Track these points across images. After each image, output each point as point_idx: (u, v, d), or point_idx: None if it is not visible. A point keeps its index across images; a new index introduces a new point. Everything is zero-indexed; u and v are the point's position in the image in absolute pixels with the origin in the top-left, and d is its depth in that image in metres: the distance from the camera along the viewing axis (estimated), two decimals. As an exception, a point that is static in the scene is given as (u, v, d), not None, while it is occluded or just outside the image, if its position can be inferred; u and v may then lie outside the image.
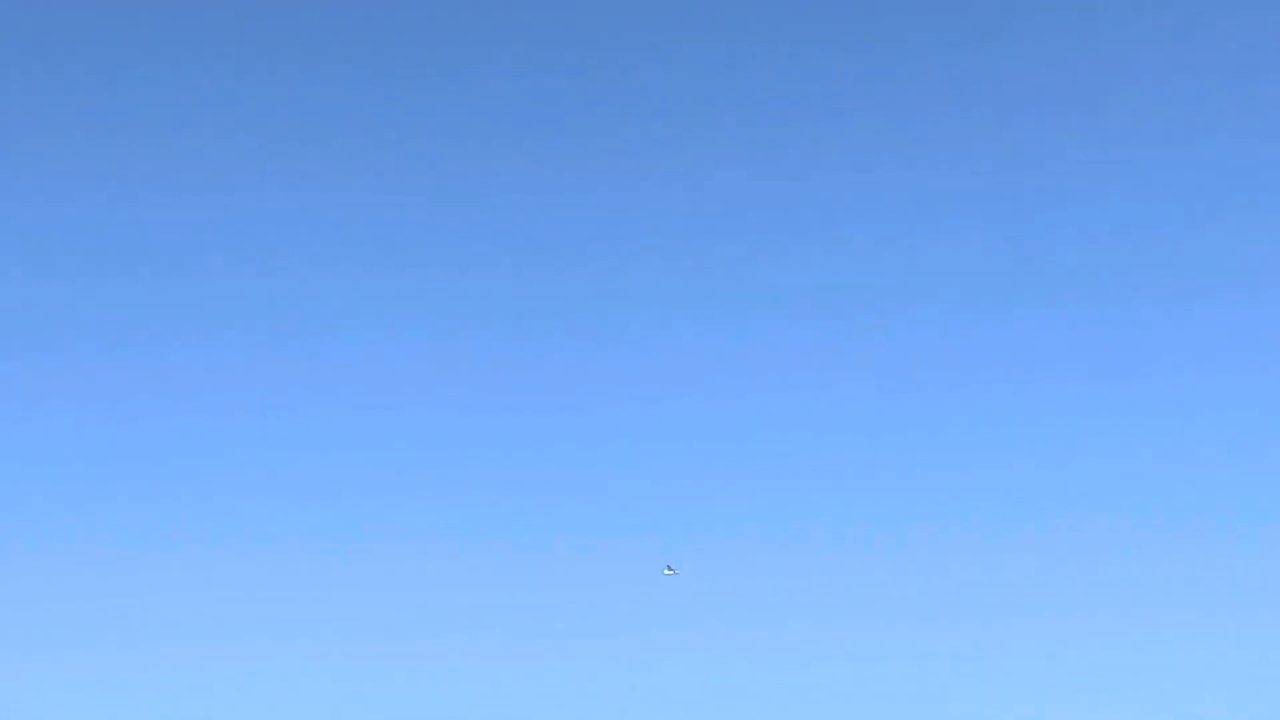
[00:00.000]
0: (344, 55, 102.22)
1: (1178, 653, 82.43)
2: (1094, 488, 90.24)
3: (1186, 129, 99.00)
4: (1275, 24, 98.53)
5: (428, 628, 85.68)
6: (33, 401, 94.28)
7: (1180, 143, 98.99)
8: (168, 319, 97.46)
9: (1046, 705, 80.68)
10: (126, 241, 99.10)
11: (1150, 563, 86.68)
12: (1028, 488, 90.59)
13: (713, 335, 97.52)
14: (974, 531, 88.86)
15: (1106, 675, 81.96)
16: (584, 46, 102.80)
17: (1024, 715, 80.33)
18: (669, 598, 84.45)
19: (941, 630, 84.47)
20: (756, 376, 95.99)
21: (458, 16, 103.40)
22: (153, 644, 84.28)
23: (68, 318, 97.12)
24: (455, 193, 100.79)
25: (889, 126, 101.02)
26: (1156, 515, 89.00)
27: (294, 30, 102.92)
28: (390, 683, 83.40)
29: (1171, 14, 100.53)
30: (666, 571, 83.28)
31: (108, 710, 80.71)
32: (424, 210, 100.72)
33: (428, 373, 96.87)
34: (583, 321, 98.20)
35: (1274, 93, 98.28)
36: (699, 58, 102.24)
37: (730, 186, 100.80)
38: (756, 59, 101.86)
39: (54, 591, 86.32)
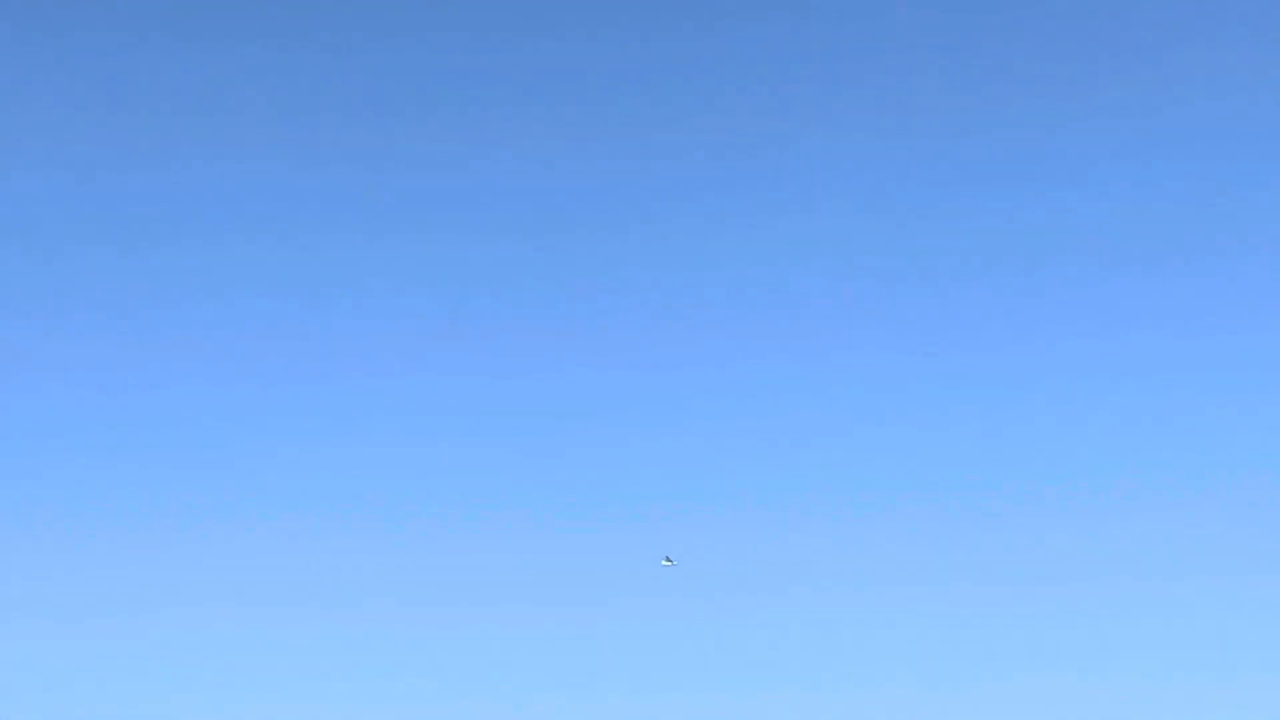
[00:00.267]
0: (346, 25, 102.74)
1: (1174, 618, 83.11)
2: (1098, 458, 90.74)
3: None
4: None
5: (430, 599, 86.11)
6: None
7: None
8: (172, 289, 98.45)
9: (1044, 672, 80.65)
10: (143, 215, 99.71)
11: (1154, 529, 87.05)
12: (1034, 457, 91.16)
13: (717, 302, 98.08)
14: (978, 501, 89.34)
15: (1109, 645, 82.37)
16: (585, 13, 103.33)
17: (1022, 682, 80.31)
18: (674, 567, 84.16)
19: (941, 601, 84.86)
20: (763, 341, 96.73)
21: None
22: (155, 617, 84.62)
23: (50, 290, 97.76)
24: (458, 161, 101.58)
25: (893, 91, 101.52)
26: (1163, 483, 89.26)
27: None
28: (392, 653, 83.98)
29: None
30: (665, 563, 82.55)
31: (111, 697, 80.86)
32: (426, 179, 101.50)
33: (431, 338, 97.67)
34: (588, 287, 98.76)
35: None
36: (700, 25, 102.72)
37: (733, 152, 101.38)
38: (755, 25, 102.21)
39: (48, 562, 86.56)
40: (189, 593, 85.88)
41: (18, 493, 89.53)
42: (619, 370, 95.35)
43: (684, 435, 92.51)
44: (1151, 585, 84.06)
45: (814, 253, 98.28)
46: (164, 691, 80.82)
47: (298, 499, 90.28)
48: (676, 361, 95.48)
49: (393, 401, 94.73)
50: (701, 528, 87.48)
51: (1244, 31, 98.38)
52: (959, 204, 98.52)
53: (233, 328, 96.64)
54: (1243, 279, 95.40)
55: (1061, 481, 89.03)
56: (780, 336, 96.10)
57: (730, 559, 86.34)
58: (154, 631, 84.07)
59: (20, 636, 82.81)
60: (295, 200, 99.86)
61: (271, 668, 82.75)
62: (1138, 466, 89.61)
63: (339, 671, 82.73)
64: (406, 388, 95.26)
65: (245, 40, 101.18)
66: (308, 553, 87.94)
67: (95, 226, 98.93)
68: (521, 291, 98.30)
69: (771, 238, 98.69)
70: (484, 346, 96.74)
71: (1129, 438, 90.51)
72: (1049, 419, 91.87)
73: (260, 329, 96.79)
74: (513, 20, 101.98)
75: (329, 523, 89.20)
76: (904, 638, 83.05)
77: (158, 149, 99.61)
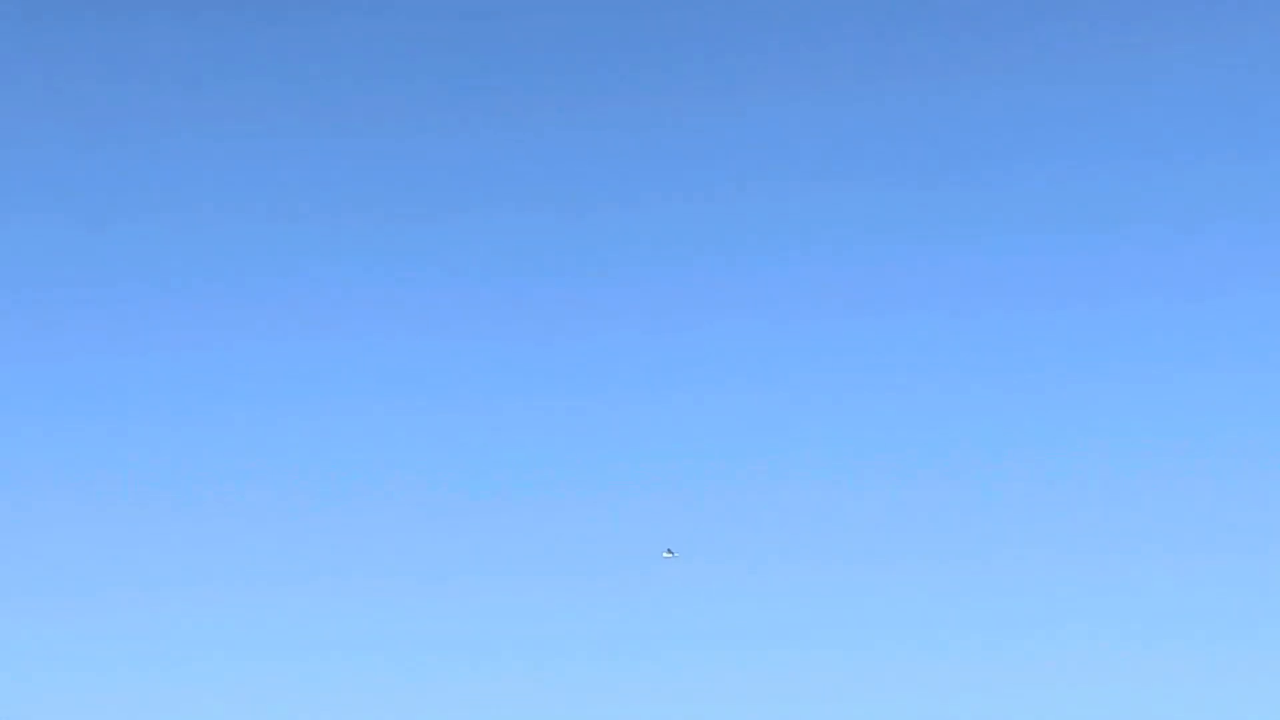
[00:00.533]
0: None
1: (1173, 590, 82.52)
2: (1093, 429, 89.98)
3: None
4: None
5: (430, 575, 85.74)
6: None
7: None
8: (160, 269, 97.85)
9: (1041, 645, 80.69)
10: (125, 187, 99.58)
11: (1153, 495, 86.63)
12: (1031, 428, 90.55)
13: (724, 275, 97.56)
14: (977, 472, 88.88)
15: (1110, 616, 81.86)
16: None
17: (1019, 653, 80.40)
18: (683, 533, 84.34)
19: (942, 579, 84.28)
20: (765, 314, 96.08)
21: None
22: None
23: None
24: (466, 135, 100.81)
25: (901, 60, 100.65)
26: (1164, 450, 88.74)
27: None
28: (389, 632, 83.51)
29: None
30: (666, 554, 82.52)
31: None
32: (433, 154, 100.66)
33: (440, 312, 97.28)
34: (596, 260, 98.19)
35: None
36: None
37: (741, 122, 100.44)
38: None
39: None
40: (182, 574, 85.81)
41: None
42: (619, 343, 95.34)
43: (683, 410, 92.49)
44: (1154, 558, 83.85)
45: (821, 225, 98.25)
46: (165, 685, 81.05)
47: (294, 475, 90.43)
48: (676, 334, 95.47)
49: (388, 375, 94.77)
50: (708, 500, 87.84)
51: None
52: (963, 171, 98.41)
53: (240, 300, 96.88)
54: (1240, 249, 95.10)
55: (1057, 452, 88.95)
56: (780, 310, 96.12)
57: (736, 531, 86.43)
58: (151, 615, 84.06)
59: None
60: (296, 175, 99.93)
61: (266, 649, 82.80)
62: (1143, 437, 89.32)
63: (339, 651, 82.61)
64: (401, 361, 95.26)
65: (247, 11, 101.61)
66: (300, 530, 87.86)
67: (92, 201, 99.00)
68: (520, 266, 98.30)
69: (775, 209, 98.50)
70: (478, 321, 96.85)
71: (1131, 409, 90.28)
72: (1046, 390, 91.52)
73: (258, 303, 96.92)
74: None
75: (327, 499, 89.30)
76: (909, 611, 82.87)
77: (160, 125, 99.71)
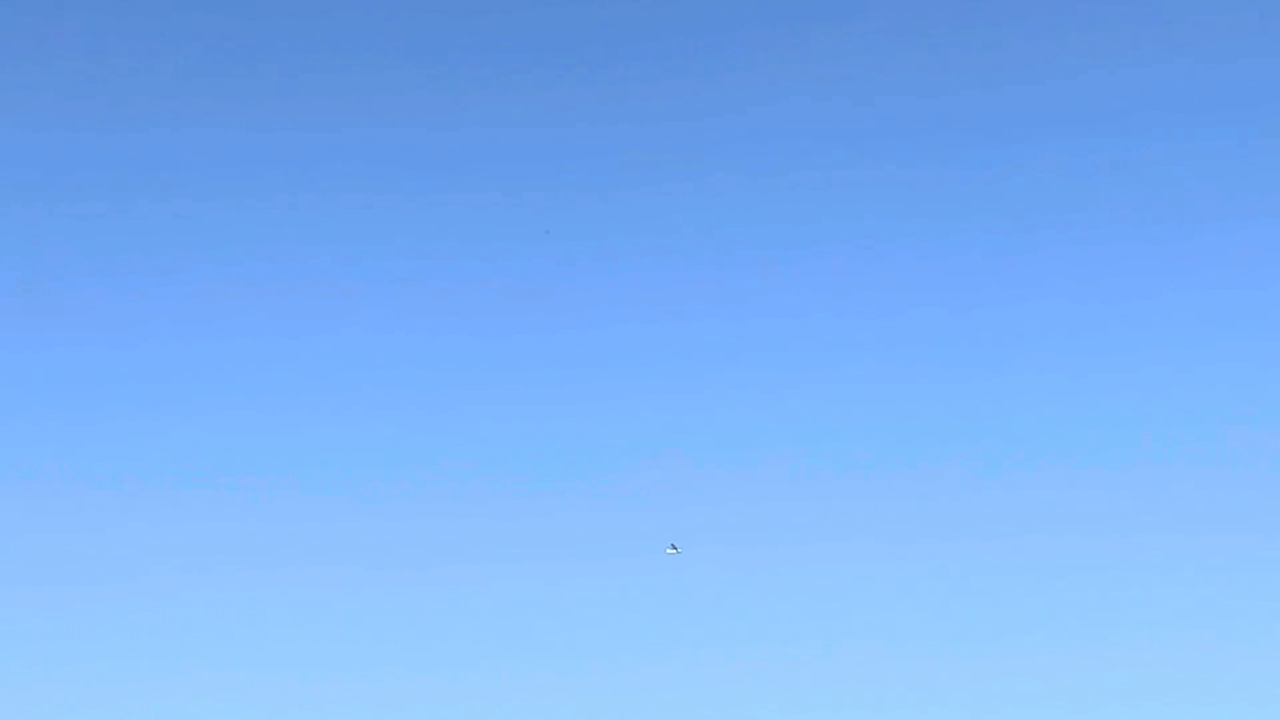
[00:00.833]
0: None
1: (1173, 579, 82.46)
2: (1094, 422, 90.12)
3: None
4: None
5: (432, 571, 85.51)
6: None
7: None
8: (155, 259, 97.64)
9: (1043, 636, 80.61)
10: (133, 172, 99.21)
11: (1155, 491, 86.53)
12: (1028, 420, 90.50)
13: (727, 268, 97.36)
14: (975, 463, 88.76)
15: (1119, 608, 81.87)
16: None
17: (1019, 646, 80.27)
18: (686, 529, 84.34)
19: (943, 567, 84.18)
20: (768, 309, 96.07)
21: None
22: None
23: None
24: (461, 125, 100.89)
25: (900, 50, 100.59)
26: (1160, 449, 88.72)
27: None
28: (386, 623, 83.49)
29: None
30: (669, 550, 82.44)
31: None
32: (430, 143, 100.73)
33: (440, 304, 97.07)
34: (599, 251, 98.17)
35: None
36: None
37: (742, 112, 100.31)
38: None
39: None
40: (180, 569, 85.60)
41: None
42: (621, 336, 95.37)
43: (684, 404, 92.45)
44: (1157, 555, 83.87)
45: (823, 218, 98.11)
46: (162, 683, 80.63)
47: (293, 468, 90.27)
48: (679, 327, 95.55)
49: (386, 366, 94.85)
50: (709, 496, 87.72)
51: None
52: (968, 165, 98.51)
53: (227, 290, 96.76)
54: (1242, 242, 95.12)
55: (1060, 448, 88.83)
56: (783, 304, 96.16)
57: (738, 527, 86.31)
58: (151, 613, 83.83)
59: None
60: (288, 164, 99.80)
61: (266, 646, 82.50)
62: (1147, 429, 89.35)
63: (340, 647, 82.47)
64: (400, 352, 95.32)
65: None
66: (300, 525, 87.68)
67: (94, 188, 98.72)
68: (515, 254, 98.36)
69: (777, 202, 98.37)
70: (479, 314, 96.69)
71: (1134, 405, 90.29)
72: (1050, 385, 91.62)
73: (247, 293, 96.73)
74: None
75: (328, 491, 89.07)
76: (913, 606, 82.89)
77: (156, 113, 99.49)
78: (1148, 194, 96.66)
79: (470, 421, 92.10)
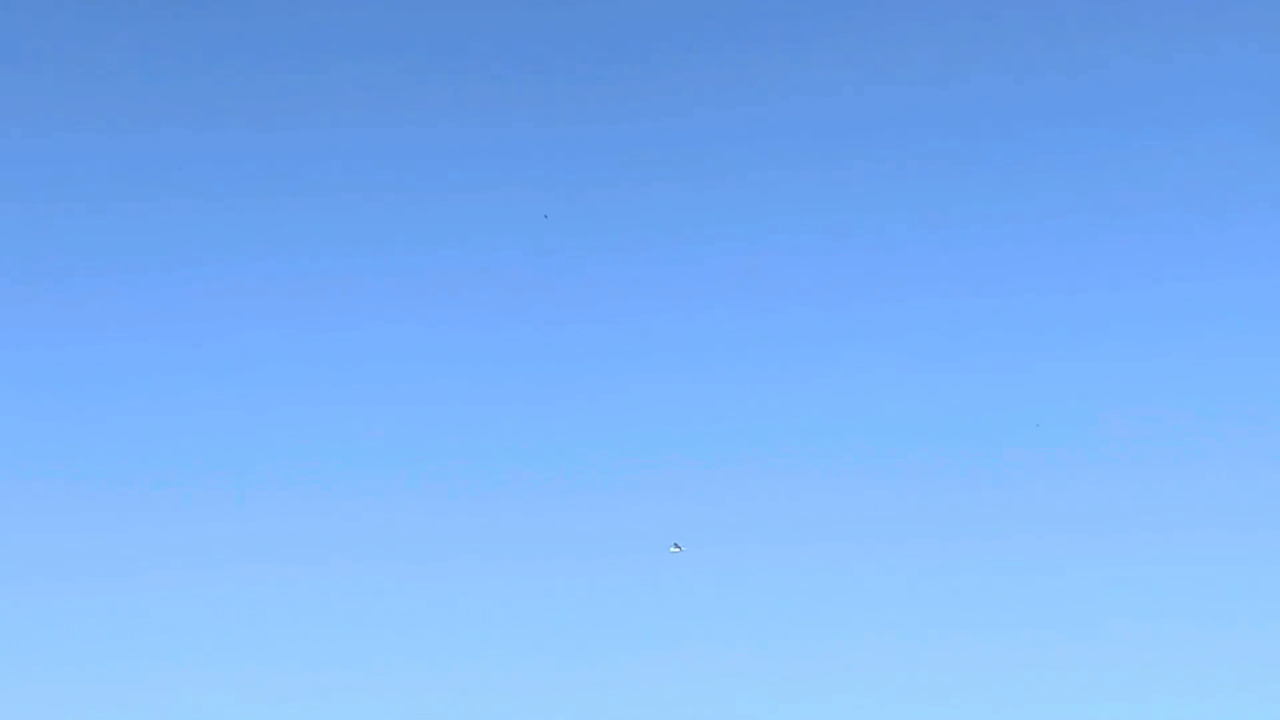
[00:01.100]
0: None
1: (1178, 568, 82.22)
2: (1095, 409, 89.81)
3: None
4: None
5: (433, 568, 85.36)
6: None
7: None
8: (155, 257, 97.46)
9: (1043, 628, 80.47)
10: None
11: (1156, 486, 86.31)
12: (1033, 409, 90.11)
13: (730, 264, 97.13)
14: (977, 453, 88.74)
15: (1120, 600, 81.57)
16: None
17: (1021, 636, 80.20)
18: (689, 526, 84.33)
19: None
20: (771, 304, 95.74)
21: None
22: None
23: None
24: (461, 122, 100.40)
25: (906, 44, 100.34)
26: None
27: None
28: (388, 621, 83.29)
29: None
30: (673, 549, 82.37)
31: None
32: (429, 140, 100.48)
33: (440, 299, 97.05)
34: (601, 246, 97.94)
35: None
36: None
37: (734, 107, 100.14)
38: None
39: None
40: (178, 566, 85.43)
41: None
42: (621, 333, 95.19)
43: (686, 400, 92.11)
44: (1159, 551, 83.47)
45: (825, 213, 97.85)
46: (159, 681, 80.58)
47: (294, 466, 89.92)
48: (680, 323, 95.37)
49: (387, 363, 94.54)
50: (711, 492, 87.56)
51: None
52: (964, 151, 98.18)
53: (226, 288, 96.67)
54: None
55: (1062, 444, 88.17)
56: (786, 300, 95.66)
57: (741, 524, 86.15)
58: (148, 610, 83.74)
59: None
60: (287, 162, 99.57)
61: (266, 643, 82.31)
62: (1149, 425, 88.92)
63: (342, 646, 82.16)
64: (400, 349, 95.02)
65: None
66: (302, 523, 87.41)
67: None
68: (515, 252, 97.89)
69: (778, 198, 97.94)
70: (480, 309, 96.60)
71: (1136, 400, 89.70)
72: (1051, 379, 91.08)
73: (246, 291, 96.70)
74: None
75: (329, 489, 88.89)
76: (916, 603, 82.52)
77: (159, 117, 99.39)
78: (1150, 189, 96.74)
79: (470, 419, 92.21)
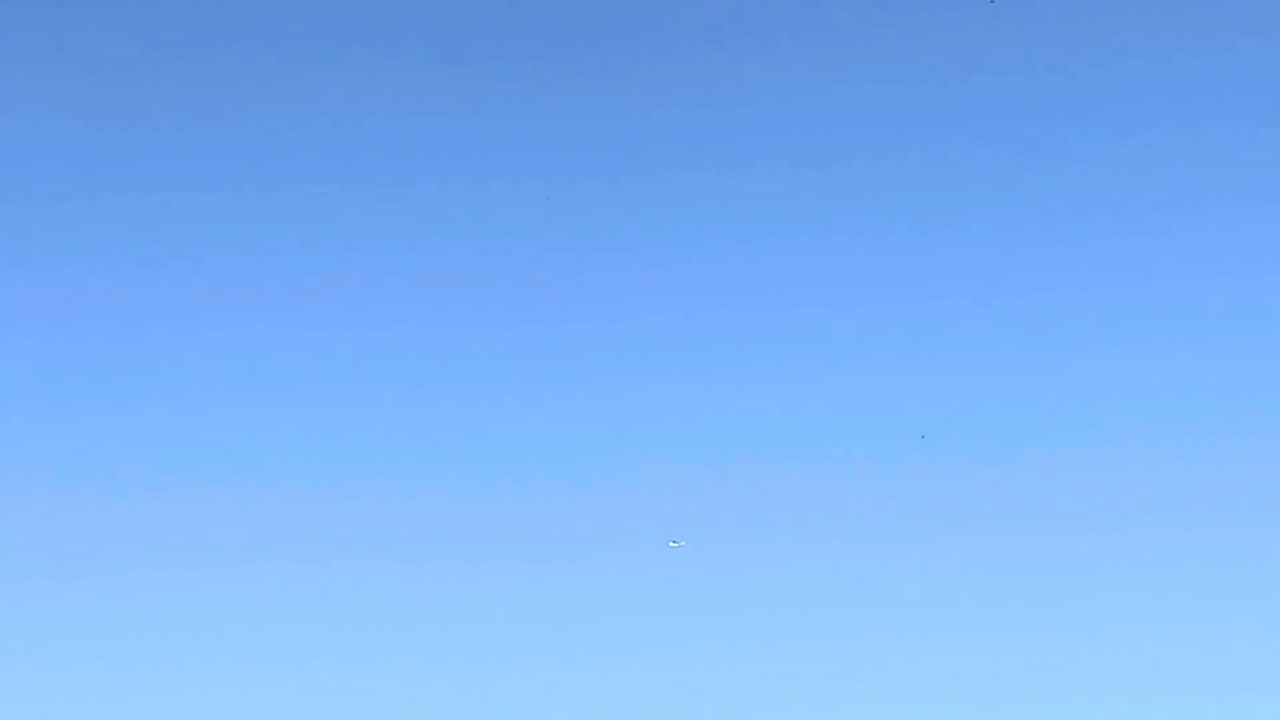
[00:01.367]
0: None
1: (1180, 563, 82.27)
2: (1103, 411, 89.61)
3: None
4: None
5: (435, 567, 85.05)
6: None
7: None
8: (153, 253, 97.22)
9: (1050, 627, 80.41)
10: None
11: (1158, 485, 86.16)
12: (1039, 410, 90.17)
13: (732, 261, 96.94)
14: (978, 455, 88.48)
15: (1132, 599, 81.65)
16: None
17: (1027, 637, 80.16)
18: (690, 523, 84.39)
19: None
20: (773, 302, 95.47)
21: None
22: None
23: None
24: (457, 116, 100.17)
25: (910, 40, 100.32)
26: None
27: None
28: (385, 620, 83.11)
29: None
30: (672, 544, 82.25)
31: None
32: (423, 135, 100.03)
33: (434, 294, 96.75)
34: (601, 244, 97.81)
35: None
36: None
37: (735, 105, 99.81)
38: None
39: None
40: (177, 564, 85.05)
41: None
42: (621, 331, 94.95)
43: (687, 398, 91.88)
44: (1162, 549, 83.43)
45: (826, 211, 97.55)
46: (155, 678, 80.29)
47: (294, 466, 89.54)
48: (681, 320, 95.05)
49: (382, 359, 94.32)
50: (713, 489, 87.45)
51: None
52: (970, 149, 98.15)
53: (225, 286, 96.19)
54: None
55: (1064, 442, 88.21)
56: (789, 297, 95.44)
57: (742, 520, 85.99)
58: (147, 607, 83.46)
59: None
60: (285, 158, 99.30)
61: (266, 641, 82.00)
62: (1152, 423, 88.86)
63: (343, 645, 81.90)
64: (413, 333, 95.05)
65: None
66: (304, 522, 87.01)
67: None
68: (513, 250, 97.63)
69: (779, 195, 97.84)
70: (479, 307, 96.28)
71: (1139, 398, 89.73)
72: (1055, 377, 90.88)
73: (249, 289, 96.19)
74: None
75: (328, 489, 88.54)
76: (918, 601, 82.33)
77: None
78: (1153, 186, 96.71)
79: (470, 418, 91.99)
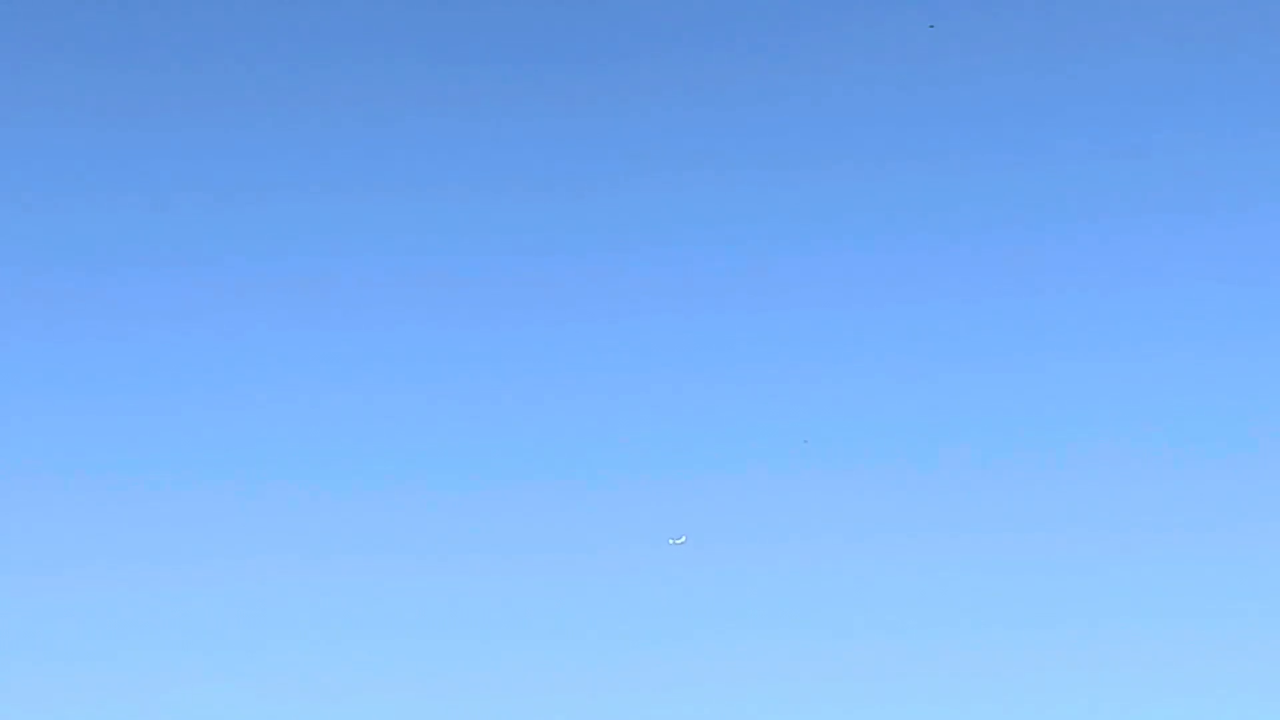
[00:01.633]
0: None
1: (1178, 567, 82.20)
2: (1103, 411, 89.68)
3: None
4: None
5: (437, 564, 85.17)
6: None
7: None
8: (159, 255, 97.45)
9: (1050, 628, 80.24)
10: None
11: (1158, 485, 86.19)
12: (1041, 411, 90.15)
13: (735, 262, 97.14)
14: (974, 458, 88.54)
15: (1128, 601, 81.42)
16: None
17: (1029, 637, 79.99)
18: (691, 520, 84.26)
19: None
20: (763, 296, 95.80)
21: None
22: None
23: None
24: (462, 120, 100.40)
25: (909, 41, 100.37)
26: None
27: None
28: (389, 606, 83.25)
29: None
30: (673, 541, 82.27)
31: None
32: (429, 138, 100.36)
33: (434, 293, 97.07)
34: (604, 246, 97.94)
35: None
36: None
37: (736, 106, 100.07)
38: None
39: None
40: (178, 560, 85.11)
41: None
42: (623, 331, 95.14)
43: (688, 397, 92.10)
44: (1162, 548, 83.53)
45: (827, 214, 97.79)
46: (153, 677, 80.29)
47: (299, 465, 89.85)
48: (683, 321, 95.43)
49: (383, 359, 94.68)
50: (714, 487, 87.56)
51: None
52: (972, 153, 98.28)
53: (225, 286, 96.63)
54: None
55: (1064, 442, 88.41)
56: (791, 298, 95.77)
57: (743, 518, 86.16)
58: (146, 605, 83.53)
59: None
60: (284, 158, 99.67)
61: (267, 639, 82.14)
62: (1153, 423, 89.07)
63: (343, 641, 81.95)
64: (414, 336, 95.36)
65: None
66: (299, 516, 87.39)
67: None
68: (514, 249, 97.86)
69: (780, 197, 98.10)
70: (483, 307, 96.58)
71: (1141, 399, 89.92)
72: (1054, 379, 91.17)
73: (249, 288, 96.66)
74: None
75: (330, 487, 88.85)
76: (918, 599, 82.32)
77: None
78: (1155, 186, 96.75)
79: (470, 417, 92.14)
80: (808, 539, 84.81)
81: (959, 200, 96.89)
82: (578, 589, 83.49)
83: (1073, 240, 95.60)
